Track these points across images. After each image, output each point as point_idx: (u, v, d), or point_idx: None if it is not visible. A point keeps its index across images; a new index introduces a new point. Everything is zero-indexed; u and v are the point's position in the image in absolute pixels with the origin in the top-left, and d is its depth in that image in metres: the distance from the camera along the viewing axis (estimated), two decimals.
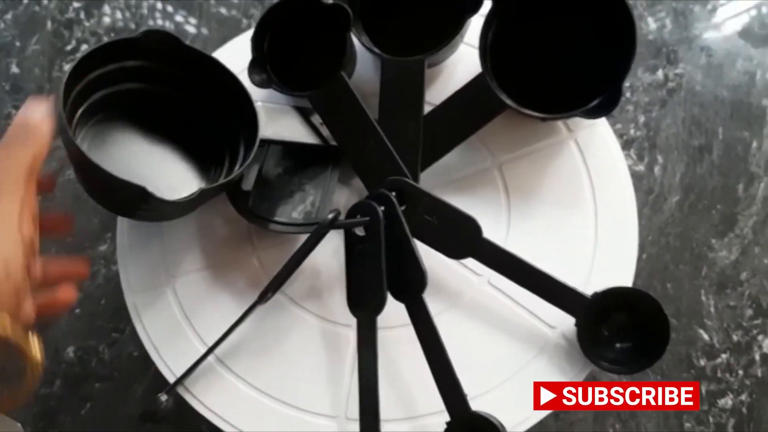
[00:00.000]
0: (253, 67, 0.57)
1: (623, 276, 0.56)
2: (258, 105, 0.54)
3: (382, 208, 0.53)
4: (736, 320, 0.67)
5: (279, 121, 0.57)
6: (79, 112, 0.51)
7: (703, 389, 0.65)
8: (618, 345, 0.54)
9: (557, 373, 0.54)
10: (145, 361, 0.57)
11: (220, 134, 0.57)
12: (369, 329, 0.53)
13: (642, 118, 0.74)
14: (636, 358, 0.53)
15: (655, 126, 0.74)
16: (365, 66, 0.61)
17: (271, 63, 0.59)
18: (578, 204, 0.58)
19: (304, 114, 0.59)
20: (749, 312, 0.67)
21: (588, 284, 0.56)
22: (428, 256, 0.53)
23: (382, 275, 0.52)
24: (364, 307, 0.53)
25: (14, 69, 0.82)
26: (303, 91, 0.57)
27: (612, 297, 0.53)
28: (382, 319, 0.55)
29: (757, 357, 0.66)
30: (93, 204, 0.50)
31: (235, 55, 0.59)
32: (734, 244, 0.69)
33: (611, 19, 0.54)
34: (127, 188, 0.44)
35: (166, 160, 0.55)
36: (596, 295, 0.53)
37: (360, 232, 0.53)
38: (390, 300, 0.52)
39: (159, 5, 0.84)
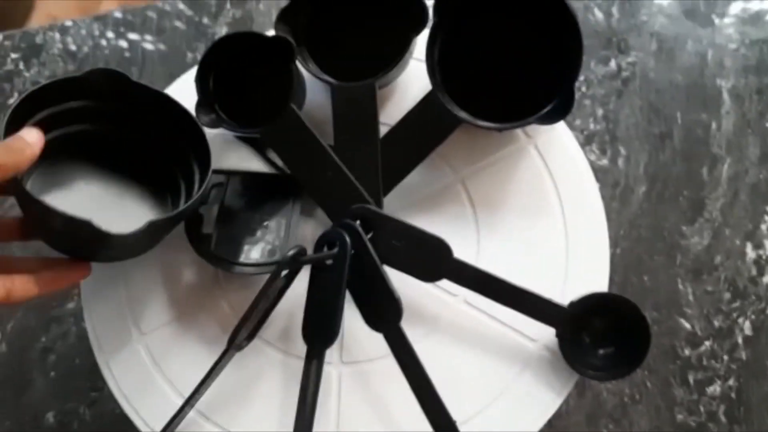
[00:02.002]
0: (200, 108, 0.55)
1: (598, 280, 0.55)
2: (210, 136, 0.53)
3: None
4: (716, 305, 0.67)
5: (233, 153, 0.56)
6: None
7: (691, 379, 0.65)
8: (601, 351, 0.53)
9: (544, 386, 0.53)
10: (128, 417, 0.55)
11: (175, 168, 0.55)
12: (316, 362, 0.51)
13: (600, 111, 0.73)
14: (619, 363, 0.52)
15: (614, 118, 0.73)
16: (316, 93, 0.59)
17: (219, 101, 0.57)
18: (545, 211, 0.57)
19: (258, 146, 0.58)
20: (727, 296, 0.67)
21: (565, 291, 0.55)
22: (401, 281, 0.52)
23: (338, 306, 0.51)
24: (316, 338, 0.52)
25: None
26: (253, 128, 0.56)
27: (589, 303, 0.52)
28: (364, 353, 0.55)
29: (740, 340, 0.66)
30: None
31: (186, 88, 0.58)
32: (705, 228, 0.69)
33: (555, 20, 0.53)
34: (71, 223, 0.43)
35: (120, 199, 0.54)
36: (573, 304, 0.52)
37: (328, 261, 0.52)
38: (369, 332, 0.51)
39: (101, 47, 0.81)
